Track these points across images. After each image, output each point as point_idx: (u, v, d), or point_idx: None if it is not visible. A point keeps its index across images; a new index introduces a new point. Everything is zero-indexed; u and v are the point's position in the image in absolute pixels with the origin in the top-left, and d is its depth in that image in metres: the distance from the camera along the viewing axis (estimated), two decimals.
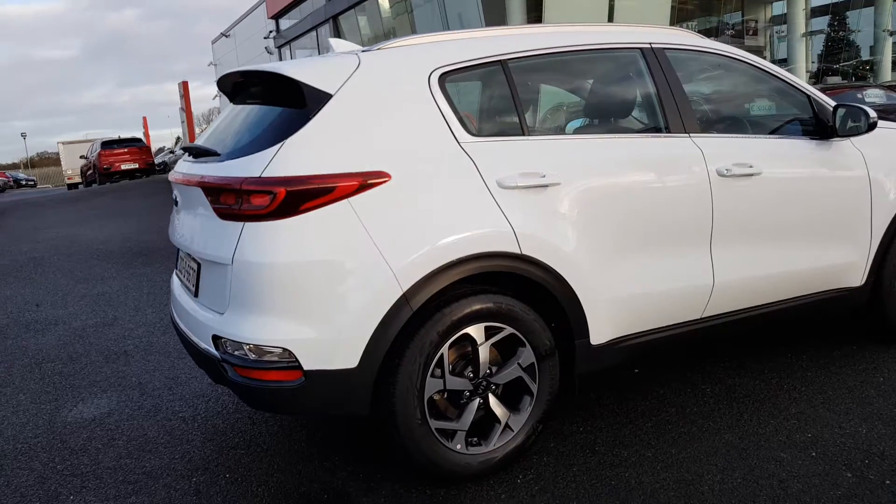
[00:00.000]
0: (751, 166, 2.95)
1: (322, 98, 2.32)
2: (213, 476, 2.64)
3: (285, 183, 2.18)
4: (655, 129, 2.91)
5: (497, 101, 2.66)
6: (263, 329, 2.22)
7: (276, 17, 29.98)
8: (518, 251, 2.41)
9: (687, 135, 2.88)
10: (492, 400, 2.49)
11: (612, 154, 2.71)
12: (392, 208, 2.27)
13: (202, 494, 2.51)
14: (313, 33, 26.20)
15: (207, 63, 47.56)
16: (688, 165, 2.83)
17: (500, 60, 2.62)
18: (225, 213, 2.29)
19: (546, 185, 2.50)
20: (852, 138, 3.31)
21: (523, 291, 2.53)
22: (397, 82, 2.44)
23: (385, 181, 2.27)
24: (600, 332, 2.66)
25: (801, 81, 3.35)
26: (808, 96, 3.29)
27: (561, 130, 2.82)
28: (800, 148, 3.20)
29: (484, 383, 2.47)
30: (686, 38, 3.13)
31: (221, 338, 2.31)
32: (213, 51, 44.78)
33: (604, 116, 3.05)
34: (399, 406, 2.31)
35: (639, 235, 2.72)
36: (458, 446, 2.43)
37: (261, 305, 2.23)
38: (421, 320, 2.31)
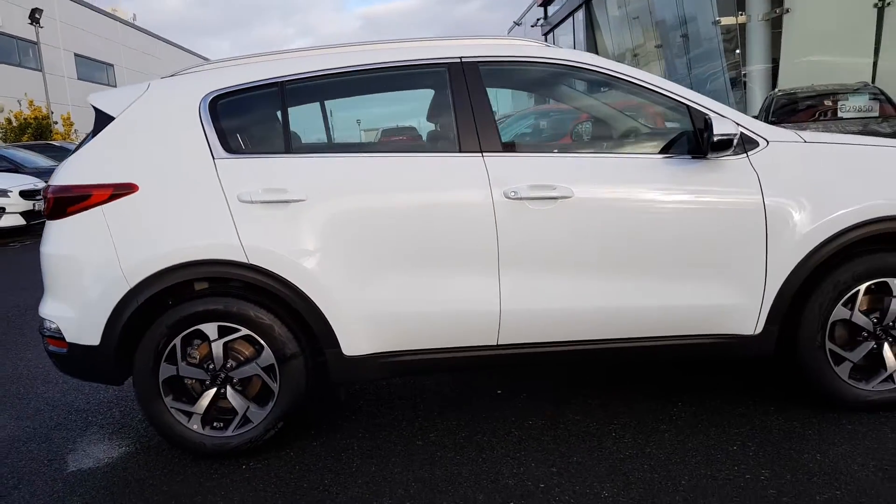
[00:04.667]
0: (554, 188, 2.67)
1: (106, 120, 2.82)
2: (91, 417, 3.36)
3: (56, 191, 2.74)
4: (447, 148, 2.80)
5: (267, 120, 2.87)
6: (47, 306, 2.82)
7: (545, 3, 30.54)
8: (245, 260, 2.64)
9: (479, 154, 2.73)
10: (228, 391, 2.77)
11: (375, 173, 2.73)
12: (135, 215, 2.68)
13: (63, 426, 3.24)
14: (570, 19, 26.19)
15: None
16: (467, 186, 2.70)
17: (278, 82, 2.82)
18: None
19: (288, 201, 2.67)
20: (753, 157, 2.75)
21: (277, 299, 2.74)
22: (169, 106, 2.82)
23: (133, 192, 2.69)
24: (354, 344, 2.74)
25: (682, 90, 2.85)
26: (688, 107, 2.80)
27: (334, 149, 2.87)
28: (655, 168, 2.76)
29: (222, 375, 2.75)
30: (520, 49, 2.90)
31: None
32: None
33: (388, 135, 3.01)
34: (138, 383, 2.74)
35: (402, 256, 2.70)
36: (195, 426, 2.77)
37: (47, 286, 2.83)
38: (153, 313, 2.70)
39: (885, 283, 2.78)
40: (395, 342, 2.77)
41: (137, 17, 45.19)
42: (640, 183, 2.74)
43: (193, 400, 2.79)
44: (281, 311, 2.73)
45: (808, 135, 2.85)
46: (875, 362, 2.85)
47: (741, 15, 14.68)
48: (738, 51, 15.28)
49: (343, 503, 2.42)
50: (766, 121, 9.57)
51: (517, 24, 42.82)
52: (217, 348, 2.73)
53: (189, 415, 2.78)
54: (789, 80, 12.86)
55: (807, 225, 2.70)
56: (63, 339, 2.77)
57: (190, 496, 2.52)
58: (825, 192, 2.72)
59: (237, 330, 2.73)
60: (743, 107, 14.74)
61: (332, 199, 2.70)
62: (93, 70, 37.07)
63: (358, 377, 2.83)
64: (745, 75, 14.85)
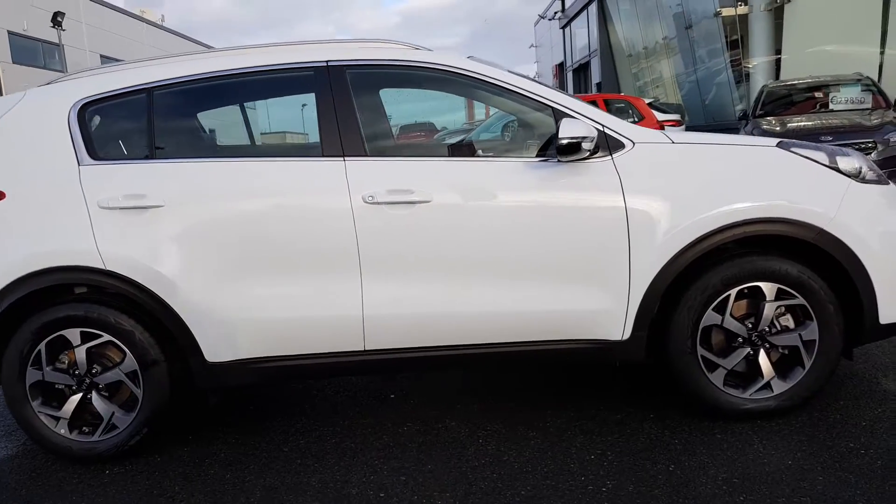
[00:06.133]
0: (412, 192, 2.64)
1: None
2: None
3: None
4: (311, 153, 2.78)
5: (134, 126, 2.86)
6: None
7: None
8: (102, 266, 2.66)
9: (341, 158, 2.70)
10: (94, 397, 2.79)
11: (235, 178, 2.73)
12: (1, 223, 2.72)
13: None
14: (584, 13, 25.87)
15: (528, 45, 49.84)
16: (325, 191, 2.69)
17: (147, 88, 2.82)
18: None
19: (146, 207, 2.68)
20: (617, 159, 2.68)
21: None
22: (41, 113, 2.84)
23: (0, 199, 2.73)
24: (217, 351, 2.74)
25: (551, 93, 2.77)
26: (553, 109, 2.73)
27: (201, 153, 2.86)
28: (520, 172, 2.70)
29: (87, 381, 2.78)
30: (388, 53, 2.86)
31: None
32: (534, 32, 46.69)
33: (253, 140, 2.99)
34: (6, 388, 2.78)
35: (263, 262, 2.70)
36: (62, 431, 2.80)
37: None
38: (18, 319, 2.73)
39: (759, 287, 2.69)
40: (259, 348, 2.76)
41: (166, 19, 45.89)
42: (501, 187, 2.69)
43: (62, 405, 2.81)
44: (143, 317, 2.75)
45: (676, 135, 2.78)
46: (755, 369, 2.76)
47: (741, 5, 14.31)
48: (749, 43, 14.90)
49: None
50: (754, 114, 9.34)
51: (542, 17, 42.41)
52: (80, 354, 2.76)
53: (57, 419, 2.80)
54: (793, 72, 12.51)
55: (670, 228, 2.62)
56: None
57: (41, 500, 2.56)
58: (689, 195, 2.64)
59: (99, 336, 2.75)
60: (747, 101, 14.40)
61: (191, 205, 2.70)
62: None
63: (224, 383, 2.83)
64: (748, 68, 14.48)
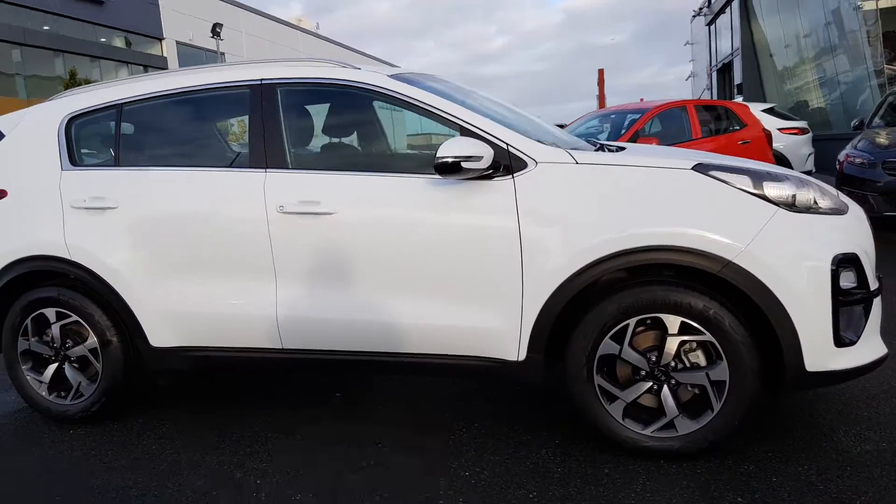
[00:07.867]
0: (318, 203, 2.81)
1: (1, 138, 3.41)
2: None
3: None
4: (241, 164, 3.03)
5: (106, 137, 3.27)
6: None
7: None
8: (68, 257, 3.10)
9: (263, 170, 2.93)
10: (66, 367, 3.25)
11: (175, 185, 3.05)
12: (2, 217, 3.24)
13: None
14: (728, 9, 24.23)
15: (684, 42, 47.33)
16: (246, 200, 2.92)
17: (116, 104, 3.23)
18: None
19: (104, 208, 3.08)
20: (518, 179, 2.67)
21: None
22: (39, 125, 3.34)
23: (3, 197, 3.26)
24: (159, 336, 3.10)
25: (463, 111, 2.78)
26: (461, 128, 2.76)
27: (155, 162, 3.18)
28: (425, 189, 2.75)
29: (62, 353, 3.24)
30: (319, 71, 3.01)
31: None
32: (690, 29, 44.33)
33: (195, 151, 3.27)
34: (5, 353, 3.31)
35: (194, 260, 3.00)
36: (44, 393, 3.28)
37: None
38: (13, 298, 3.25)
39: (661, 319, 2.56)
40: (193, 338, 3.07)
41: (337, 25, 49.05)
42: (402, 203, 2.77)
43: (44, 371, 3.29)
44: (102, 302, 3.15)
45: (582, 156, 2.69)
46: (662, 405, 2.63)
47: None
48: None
49: (100, 471, 2.78)
50: (869, 124, 8.40)
51: (695, 13, 40.20)
52: (55, 330, 3.22)
53: (41, 383, 3.29)
54: None
55: (563, 252, 2.56)
56: None
57: (6, 451, 3.05)
58: (586, 217, 2.57)
59: (69, 316, 3.19)
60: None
61: (137, 207, 3.06)
62: None
63: (166, 367, 3.17)
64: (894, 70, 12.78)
